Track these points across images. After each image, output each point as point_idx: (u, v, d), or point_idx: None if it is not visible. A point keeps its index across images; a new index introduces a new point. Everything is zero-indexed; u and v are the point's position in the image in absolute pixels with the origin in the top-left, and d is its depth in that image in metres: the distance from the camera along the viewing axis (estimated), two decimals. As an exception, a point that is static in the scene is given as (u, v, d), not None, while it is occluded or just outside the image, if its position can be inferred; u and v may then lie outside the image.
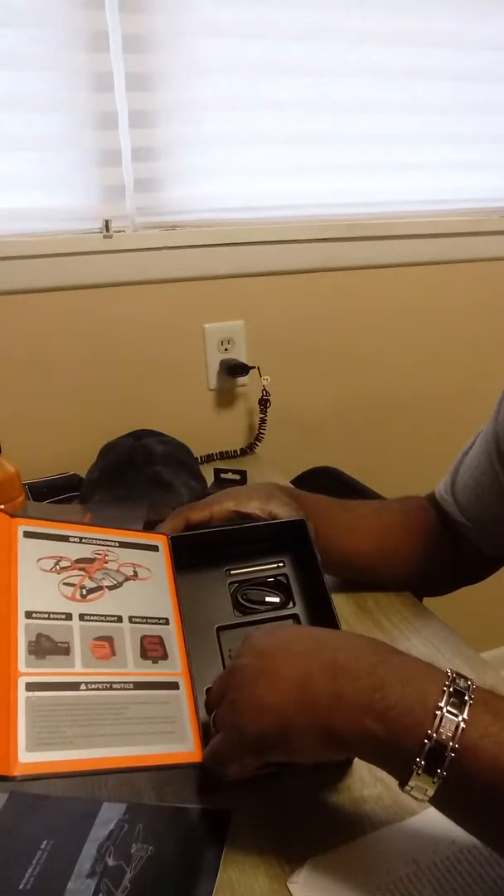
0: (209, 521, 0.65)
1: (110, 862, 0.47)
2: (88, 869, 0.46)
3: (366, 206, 1.32)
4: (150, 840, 0.49)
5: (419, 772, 0.40)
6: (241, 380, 1.29)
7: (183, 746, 0.45)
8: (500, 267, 1.44)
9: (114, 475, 0.99)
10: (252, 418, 1.33)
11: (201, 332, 1.25)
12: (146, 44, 1.09)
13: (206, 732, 0.47)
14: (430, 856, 0.48)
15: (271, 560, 0.62)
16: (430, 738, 0.40)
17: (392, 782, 0.43)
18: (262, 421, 1.29)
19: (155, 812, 0.51)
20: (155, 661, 0.49)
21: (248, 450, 1.30)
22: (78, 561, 0.53)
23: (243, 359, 1.28)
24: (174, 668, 0.50)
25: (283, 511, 0.66)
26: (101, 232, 1.14)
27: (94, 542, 0.55)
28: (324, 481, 1.19)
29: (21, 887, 0.45)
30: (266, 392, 1.27)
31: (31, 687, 0.43)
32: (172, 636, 0.52)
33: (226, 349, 1.27)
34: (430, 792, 0.40)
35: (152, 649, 0.50)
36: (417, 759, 0.40)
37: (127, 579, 0.54)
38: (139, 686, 0.47)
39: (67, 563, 0.52)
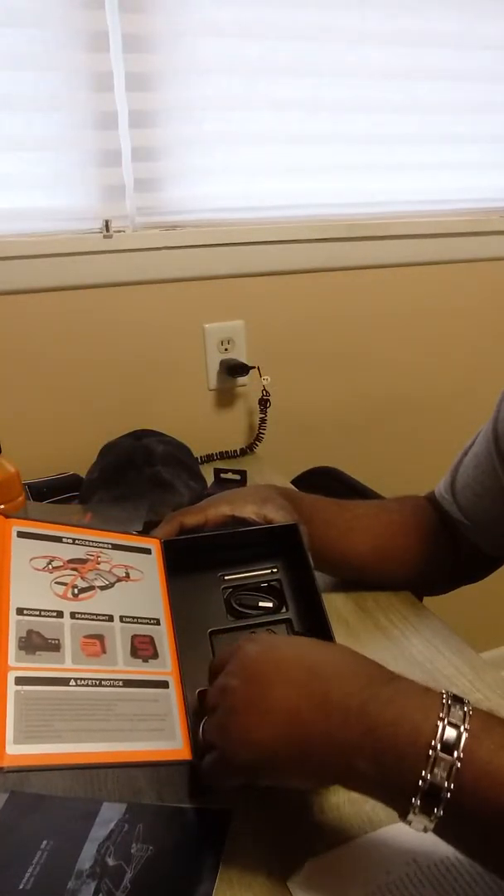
0: (204, 526, 0.65)
1: (110, 862, 0.47)
2: (88, 869, 0.46)
3: (366, 206, 1.32)
4: (150, 840, 0.49)
5: (415, 811, 0.39)
6: (241, 380, 1.29)
7: (172, 744, 0.45)
8: (500, 267, 1.44)
9: (114, 475, 0.99)
10: (252, 418, 1.33)
11: (201, 332, 1.25)
12: (146, 44, 1.09)
13: (195, 736, 0.47)
14: (430, 856, 0.48)
15: (265, 564, 0.62)
16: (424, 780, 0.39)
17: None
18: (262, 421, 1.29)
19: (155, 812, 0.51)
20: (145, 659, 0.50)
21: (248, 450, 1.30)
22: (70, 561, 0.53)
23: (243, 359, 1.28)
24: (164, 667, 0.50)
25: (278, 515, 0.66)
26: (101, 232, 1.14)
27: (86, 543, 0.56)
28: (324, 481, 1.19)
29: (21, 887, 0.45)
30: (266, 392, 1.27)
31: (20, 681, 0.43)
32: (163, 636, 0.52)
33: (226, 349, 1.27)
34: (430, 827, 0.40)
35: (143, 648, 0.50)
36: (413, 800, 0.39)
37: (119, 580, 0.54)
38: (129, 683, 0.47)
39: (60, 563, 0.53)
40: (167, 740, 0.45)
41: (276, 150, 1.22)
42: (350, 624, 0.75)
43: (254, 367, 1.26)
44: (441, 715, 0.40)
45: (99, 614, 0.51)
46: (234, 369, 1.26)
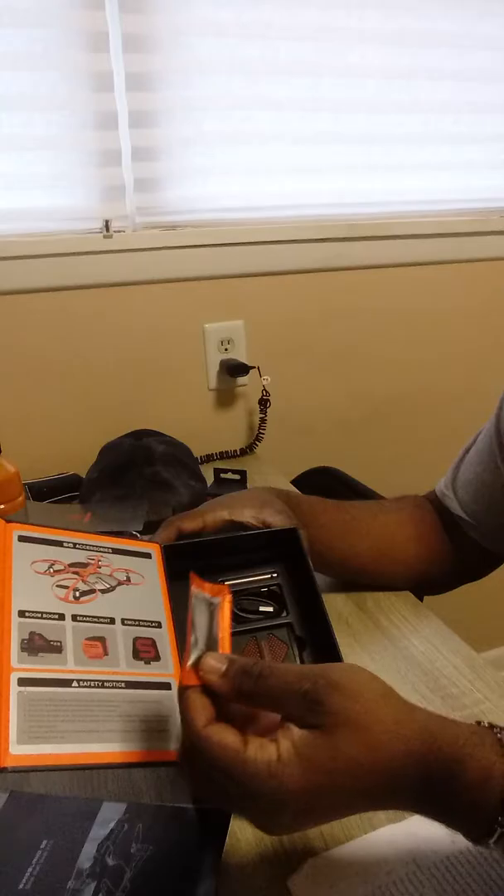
0: (202, 530, 0.64)
1: (110, 862, 0.47)
2: (88, 869, 0.46)
3: (366, 206, 1.32)
4: (150, 840, 0.49)
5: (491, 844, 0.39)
6: (241, 380, 1.29)
7: (174, 745, 0.45)
8: (500, 267, 1.44)
9: (114, 475, 0.99)
10: (252, 418, 1.33)
11: (201, 332, 1.25)
12: (146, 44, 1.09)
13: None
14: (430, 856, 0.48)
15: (265, 569, 0.62)
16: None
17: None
18: (262, 421, 1.29)
19: (155, 812, 0.51)
20: (147, 661, 0.50)
21: (248, 450, 1.30)
22: (71, 565, 0.54)
23: (243, 359, 1.28)
24: (166, 669, 0.50)
25: (277, 519, 0.65)
26: (101, 232, 1.14)
27: (87, 547, 0.56)
28: (323, 481, 1.19)
29: (21, 887, 0.45)
30: (266, 392, 1.27)
31: (23, 682, 0.43)
32: (165, 639, 0.52)
33: (226, 349, 1.27)
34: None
35: (144, 650, 0.50)
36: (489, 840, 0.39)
37: (120, 584, 0.54)
38: (131, 685, 0.47)
39: (61, 567, 0.53)
40: (169, 742, 0.45)
41: (276, 150, 1.22)
42: (350, 624, 0.75)
43: (254, 367, 1.26)
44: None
45: (100, 617, 0.51)
46: (234, 369, 1.26)
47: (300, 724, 0.39)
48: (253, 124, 1.19)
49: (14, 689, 0.43)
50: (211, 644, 0.49)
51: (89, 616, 0.50)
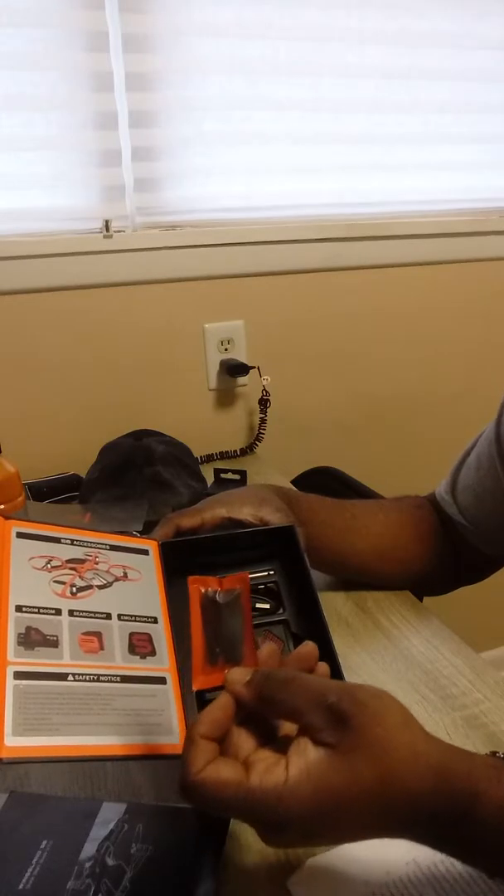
0: (200, 528, 0.64)
1: (110, 862, 0.47)
2: (88, 869, 0.46)
3: (366, 206, 1.32)
4: (150, 840, 0.49)
5: None
6: (241, 380, 1.29)
7: (169, 738, 0.45)
8: (500, 267, 1.44)
9: (114, 475, 0.99)
10: (252, 418, 1.33)
11: (201, 332, 1.25)
12: (146, 44, 1.09)
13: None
14: (430, 856, 0.47)
15: (262, 566, 0.62)
16: None
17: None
18: (262, 421, 1.29)
19: (155, 812, 0.51)
20: (143, 656, 0.50)
21: (248, 450, 1.30)
22: (69, 561, 0.54)
23: (243, 359, 1.28)
24: (162, 663, 0.50)
25: (275, 517, 0.65)
26: (101, 232, 1.14)
27: (85, 544, 0.56)
28: (323, 481, 1.19)
29: (21, 887, 0.45)
30: (266, 392, 1.27)
31: (19, 676, 0.44)
32: (161, 634, 0.52)
33: (226, 349, 1.27)
34: None
35: (140, 645, 0.50)
36: None
37: (117, 580, 0.55)
38: (126, 679, 0.47)
39: (59, 563, 0.53)
40: (165, 735, 0.46)
41: (276, 150, 1.22)
42: (350, 624, 0.75)
43: (254, 367, 1.26)
44: None
45: (97, 612, 0.51)
46: (234, 369, 1.26)
47: (317, 739, 0.38)
48: (253, 124, 1.19)
49: (10, 682, 0.43)
50: (228, 641, 0.49)
51: (86, 611, 0.50)
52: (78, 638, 0.48)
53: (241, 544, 0.63)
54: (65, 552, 0.54)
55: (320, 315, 1.33)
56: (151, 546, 0.60)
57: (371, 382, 1.42)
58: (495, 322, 1.48)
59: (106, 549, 0.57)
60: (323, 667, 0.44)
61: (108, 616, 0.51)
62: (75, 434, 1.20)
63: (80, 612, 0.50)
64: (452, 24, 1.26)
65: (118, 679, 0.47)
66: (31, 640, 0.46)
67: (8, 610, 0.47)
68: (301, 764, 0.37)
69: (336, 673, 0.52)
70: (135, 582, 0.55)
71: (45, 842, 0.48)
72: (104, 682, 0.46)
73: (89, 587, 0.52)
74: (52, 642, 0.47)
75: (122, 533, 0.62)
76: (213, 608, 0.54)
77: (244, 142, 1.19)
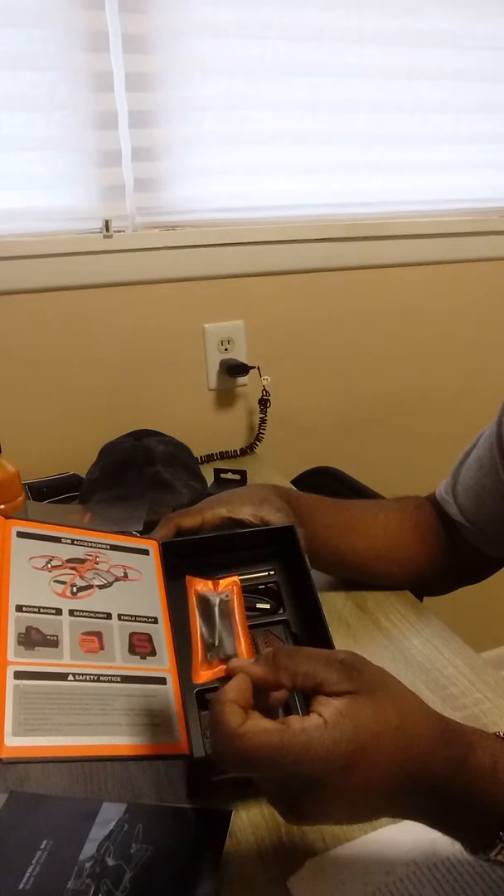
0: (200, 527, 0.65)
1: (110, 862, 0.47)
2: (88, 869, 0.46)
3: (366, 206, 1.32)
4: (150, 840, 0.49)
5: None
6: (241, 380, 1.29)
7: (169, 738, 0.45)
8: (500, 267, 1.44)
9: (114, 475, 0.99)
10: (252, 418, 1.33)
11: (201, 332, 1.25)
12: (146, 44, 1.09)
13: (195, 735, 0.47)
14: (430, 856, 0.48)
15: (262, 566, 0.62)
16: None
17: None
18: (262, 421, 1.29)
19: (155, 812, 0.51)
20: (143, 656, 0.50)
21: (248, 450, 1.30)
22: (69, 561, 0.54)
23: (243, 359, 1.28)
24: (162, 664, 0.50)
25: (275, 517, 0.65)
26: (101, 232, 1.14)
27: (85, 544, 0.56)
28: (324, 481, 1.19)
29: (21, 887, 0.45)
30: (266, 392, 1.27)
31: (19, 675, 0.44)
32: (161, 634, 0.52)
33: (226, 349, 1.27)
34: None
35: (140, 646, 0.50)
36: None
37: (117, 580, 0.55)
38: (126, 679, 0.48)
39: (59, 563, 0.53)
40: (165, 735, 0.46)
41: (276, 150, 1.22)
42: (350, 624, 0.75)
43: (254, 367, 1.26)
44: None
45: (97, 612, 0.51)
46: (234, 369, 1.26)
47: (335, 691, 0.40)
48: (253, 124, 1.19)
49: (10, 682, 0.43)
50: (225, 638, 0.49)
51: (86, 611, 0.50)
52: (78, 638, 0.48)
53: (242, 544, 0.62)
54: (65, 552, 0.54)
55: (320, 315, 1.33)
56: (152, 546, 0.60)
57: (371, 382, 1.42)
58: (495, 322, 1.48)
59: (106, 548, 0.57)
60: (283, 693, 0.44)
61: (109, 616, 0.51)
62: (75, 434, 1.20)
63: (80, 611, 0.50)
64: (452, 24, 1.26)
65: (118, 679, 0.47)
66: (32, 639, 0.46)
67: (8, 610, 0.47)
68: (331, 709, 0.39)
69: None
70: (135, 582, 0.55)
71: (45, 842, 0.48)
72: (104, 682, 0.46)
73: (90, 587, 0.52)
74: (53, 642, 0.47)
75: (122, 533, 0.62)
76: (208, 608, 0.54)
77: (244, 142, 1.19)
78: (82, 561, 0.54)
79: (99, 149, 1.11)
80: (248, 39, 1.14)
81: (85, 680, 0.46)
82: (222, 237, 1.21)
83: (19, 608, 0.48)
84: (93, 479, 1.01)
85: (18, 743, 0.40)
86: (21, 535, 0.54)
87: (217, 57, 1.13)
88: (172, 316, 1.23)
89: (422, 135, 1.31)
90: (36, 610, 0.48)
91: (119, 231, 1.15)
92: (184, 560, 0.59)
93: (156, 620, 0.53)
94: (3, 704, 0.42)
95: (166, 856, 0.48)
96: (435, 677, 0.66)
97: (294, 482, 1.19)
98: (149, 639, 0.51)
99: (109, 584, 0.54)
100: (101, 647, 0.49)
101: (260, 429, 1.29)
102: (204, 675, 0.46)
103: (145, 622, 0.52)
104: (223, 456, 1.27)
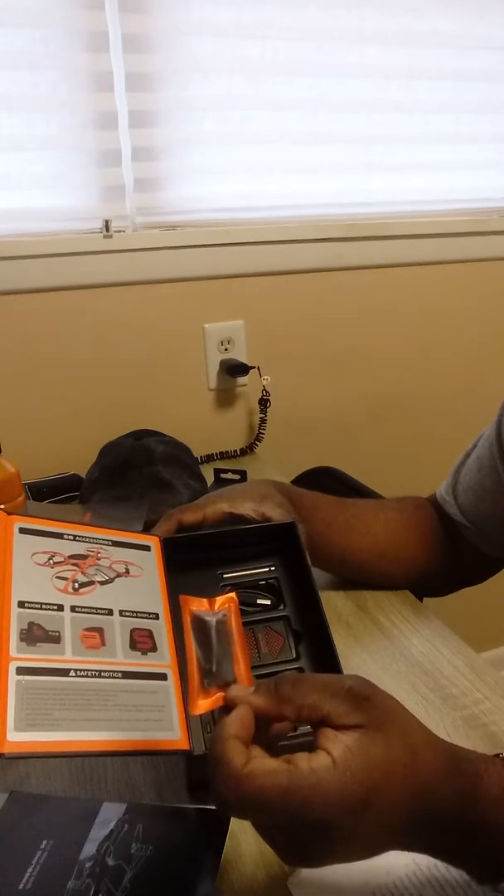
0: (202, 523, 0.65)
1: (110, 862, 0.47)
2: (88, 869, 0.46)
3: (366, 206, 1.32)
4: (150, 840, 0.49)
5: None
6: (241, 380, 1.29)
7: (169, 734, 0.46)
8: (500, 267, 1.44)
9: (114, 475, 0.99)
10: (252, 418, 1.33)
11: (201, 332, 1.25)
12: (146, 44, 1.09)
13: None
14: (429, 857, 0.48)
15: (263, 562, 0.63)
16: None
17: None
18: (262, 421, 1.29)
19: (155, 812, 0.51)
20: (144, 652, 0.50)
21: (248, 450, 1.30)
22: (71, 557, 0.54)
23: (243, 359, 1.28)
24: (163, 659, 0.50)
25: (276, 513, 0.66)
26: (101, 232, 1.14)
27: (87, 540, 0.57)
28: (324, 481, 1.19)
29: (21, 887, 0.45)
30: (266, 392, 1.27)
31: (21, 671, 0.44)
32: (162, 630, 0.53)
33: (226, 349, 1.27)
34: None
35: (142, 641, 0.51)
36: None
37: (119, 576, 0.55)
38: (128, 675, 0.48)
39: (61, 559, 0.53)
40: (165, 731, 0.46)
41: (275, 150, 1.22)
42: (350, 624, 0.75)
43: (254, 367, 1.26)
44: None
45: (99, 608, 0.51)
46: (234, 369, 1.26)
47: (343, 724, 0.37)
48: (253, 124, 1.19)
49: (12, 678, 0.43)
50: (223, 663, 0.48)
51: (88, 607, 0.51)
52: (80, 634, 0.48)
53: (243, 540, 0.63)
54: (67, 548, 0.55)
55: (320, 315, 1.33)
56: (153, 542, 0.60)
57: (371, 382, 1.42)
58: (495, 322, 1.48)
59: (108, 544, 0.57)
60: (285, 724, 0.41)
61: (110, 612, 0.51)
62: (75, 434, 1.20)
63: (82, 607, 0.50)
64: (452, 24, 1.26)
65: (119, 675, 0.47)
66: (34, 635, 0.47)
67: (10, 606, 0.48)
68: (340, 746, 0.36)
69: (335, 669, 0.53)
70: (136, 578, 0.56)
71: (45, 842, 0.48)
72: (106, 678, 0.47)
73: (91, 583, 0.53)
74: (55, 638, 0.47)
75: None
76: (205, 631, 0.53)
77: (244, 142, 1.19)
78: (84, 557, 0.55)
79: (99, 149, 1.11)
80: (248, 39, 1.14)
81: (86, 676, 0.46)
82: (222, 237, 1.21)
83: (21, 604, 0.48)
84: (93, 479, 1.01)
85: (20, 738, 0.41)
86: (23, 531, 0.54)
87: (217, 57, 1.13)
88: (172, 316, 1.23)
89: (422, 135, 1.31)
90: (38, 606, 0.49)
91: (119, 231, 1.15)
92: (185, 555, 0.60)
93: (157, 616, 0.53)
94: (6, 700, 0.42)
95: (166, 856, 0.47)
96: (435, 677, 0.66)
97: (294, 482, 1.18)
98: (150, 635, 0.51)
99: (111, 580, 0.54)
100: (103, 643, 0.49)
101: (260, 429, 1.29)
102: (202, 706, 0.46)
103: (146, 618, 0.53)
104: (223, 456, 1.27)
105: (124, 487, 0.97)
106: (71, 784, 0.55)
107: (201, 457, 1.21)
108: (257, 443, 1.30)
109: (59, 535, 0.55)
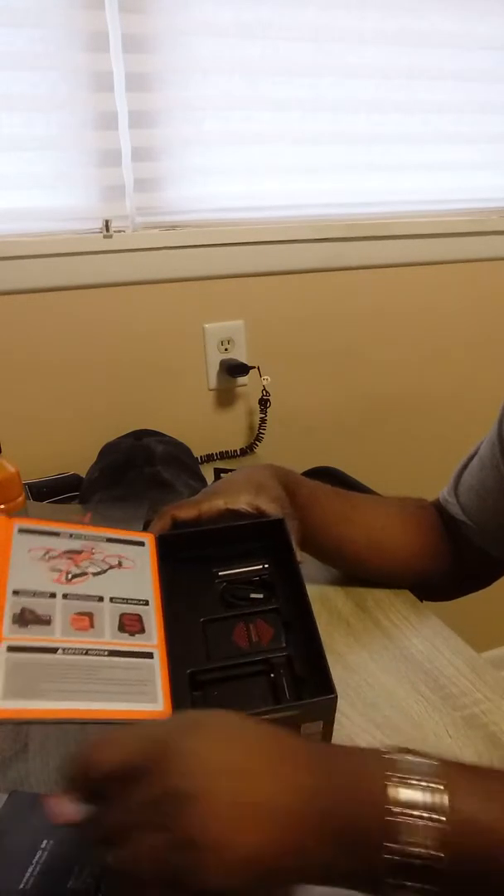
0: (198, 519, 0.65)
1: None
2: (88, 868, 0.46)
3: (366, 206, 1.32)
4: (151, 840, 0.49)
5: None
6: (241, 380, 1.29)
7: (153, 706, 0.48)
8: (500, 267, 1.44)
9: (114, 475, 0.99)
10: (252, 418, 1.33)
11: (201, 332, 1.25)
12: (146, 44, 1.09)
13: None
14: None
15: (258, 559, 0.64)
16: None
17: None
18: (262, 421, 1.29)
19: (155, 812, 0.51)
20: (132, 634, 0.52)
21: (248, 450, 1.30)
22: (66, 552, 0.57)
23: (243, 359, 1.28)
24: (150, 640, 0.52)
25: (271, 507, 0.66)
26: (101, 232, 1.14)
27: (83, 537, 0.59)
28: (324, 481, 1.19)
29: (21, 887, 0.45)
30: (266, 392, 1.27)
31: (11, 649, 0.47)
32: (151, 616, 0.55)
33: (226, 349, 1.27)
34: None
35: (130, 625, 0.53)
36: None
37: (111, 567, 0.57)
38: (114, 654, 0.50)
39: (56, 553, 0.56)
40: (149, 702, 0.48)
41: (276, 150, 1.22)
42: (350, 623, 0.75)
43: (254, 367, 1.26)
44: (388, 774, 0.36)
45: (90, 595, 0.53)
46: (234, 369, 1.26)
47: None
48: (253, 124, 1.19)
49: (2, 654, 0.46)
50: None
51: (79, 595, 0.53)
52: (70, 617, 0.51)
53: (236, 537, 0.64)
54: (63, 544, 0.57)
55: (320, 315, 1.33)
56: (148, 539, 0.62)
57: (371, 382, 1.42)
58: (495, 322, 1.48)
59: (103, 541, 0.59)
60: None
61: (101, 599, 0.54)
62: (75, 434, 1.20)
63: (74, 595, 0.53)
64: (452, 24, 1.26)
65: (106, 653, 0.49)
66: (26, 619, 0.49)
67: (6, 594, 0.50)
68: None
69: (319, 658, 0.53)
70: (129, 570, 0.58)
71: (45, 842, 0.48)
72: (93, 655, 0.49)
73: (84, 574, 0.55)
74: (46, 621, 0.50)
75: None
76: None
77: (244, 142, 1.19)
78: (79, 552, 0.57)
79: (99, 149, 1.11)
80: (248, 39, 1.14)
81: (74, 653, 0.48)
82: (222, 237, 1.21)
83: (16, 592, 0.51)
84: (93, 479, 1.01)
85: (8, 706, 0.44)
86: (22, 531, 0.56)
87: (217, 57, 1.13)
88: (172, 316, 1.23)
89: (422, 135, 1.31)
90: (32, 594, 0.51)
91: (119, 231, 1.15)
92: (179, 552, 0.61)
93: (147, 603, 0.55)
94: None
95: (166, 855, 0.48)
96: (435, 677, 0.66)
97: (294, 482, 1.19)
98: (139, 619, 0.53)
99: (104, 572, 0.56)
100: (92, 626, 0.51)
101: (260, 429, 1.29)
102: None
103: (136, 604, 0.55)
104: (223, 456, 1.27)
105: (124, 487, 0.97)
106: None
107: (201, 457, 1.21)
108: (257, 443, 1.30)
109: (55, 534, 0.58)
